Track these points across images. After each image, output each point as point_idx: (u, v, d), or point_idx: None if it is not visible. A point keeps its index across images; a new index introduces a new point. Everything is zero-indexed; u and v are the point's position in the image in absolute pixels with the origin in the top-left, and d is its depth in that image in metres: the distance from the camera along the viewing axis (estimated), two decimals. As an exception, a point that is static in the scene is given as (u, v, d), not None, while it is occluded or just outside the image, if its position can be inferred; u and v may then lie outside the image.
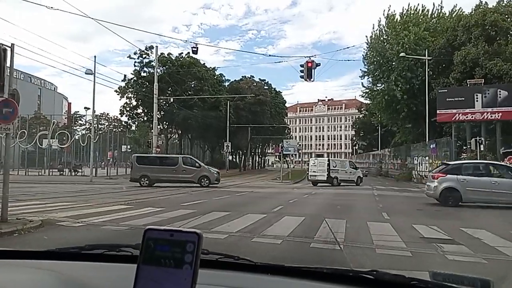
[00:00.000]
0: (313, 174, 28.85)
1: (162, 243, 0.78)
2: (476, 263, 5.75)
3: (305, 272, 1.36)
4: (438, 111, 28.64)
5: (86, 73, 29.86)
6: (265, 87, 63.62)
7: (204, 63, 46.51)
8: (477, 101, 27.18)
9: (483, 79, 27.55)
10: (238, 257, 1.44)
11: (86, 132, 49.44)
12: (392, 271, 1.34)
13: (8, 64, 8.17)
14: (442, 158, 28.56)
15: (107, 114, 73.54)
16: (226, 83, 55.26)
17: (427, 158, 31.29)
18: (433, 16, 38.25)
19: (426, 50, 31.90)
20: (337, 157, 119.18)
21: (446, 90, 29.17)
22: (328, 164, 28.25)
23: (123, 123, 50.95)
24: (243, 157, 68.89)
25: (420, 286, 1.22)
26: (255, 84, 60.65)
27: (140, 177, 24.16)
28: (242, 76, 63.19)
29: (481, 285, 1.21)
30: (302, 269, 1.38)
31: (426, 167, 31.65)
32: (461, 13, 35.56)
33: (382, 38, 38.70)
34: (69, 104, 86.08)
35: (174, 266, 0.76)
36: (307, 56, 20.68)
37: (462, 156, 28.57)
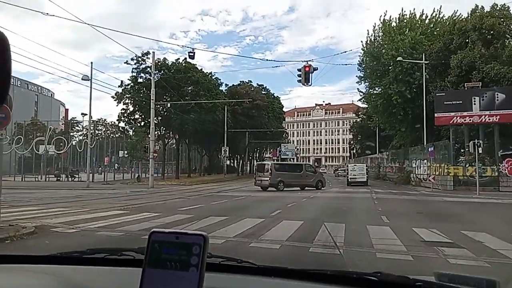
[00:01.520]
0: (353, 177, 33.52)
1: (167, 245, 0.78)
2: (479, 267, 5.64)
3: (308, 274, 1.36)
4: (436, 114, 28.59)
5: (82, 79, 29.77)
6: (263, 92, 63.56)
7: (201, 69, 46.40)
8: (474, 104, 27.17)
9: (480, 82, 27.52)
10: (241, 260, 1.43)
11: (83, 138, 49.24)
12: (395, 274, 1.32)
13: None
14: (440, 161, 28.56)
15: (105, 120, 73.37)
16: (223, 87, 55.19)
17: (425, 161, 31.20)
18: (431, 21, 38.19)
19: (423, 54, 31.91)
20: (335, 162, 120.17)
21: (443, 94, 29.12)
22: (367, 169, 34.31)
23: (121, 128, 50.79)
24: (241, 161, 68.69)
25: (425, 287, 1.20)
26: (252, 89, 60.62)
27: (278, 182, 26.09)
28: (240, 81, 63.25)
29: (487, 286, 1.18)
30: (305, 271, 1.37)
31: (424, 170, 31.59)
32: (456, 17, 35.56)
33: (376, 44, 38.70)
34: (66, 110, 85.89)
35: (180, 269, 0.75)
36: (304, 61, 20.63)
37: (460, 159, 28.52)
